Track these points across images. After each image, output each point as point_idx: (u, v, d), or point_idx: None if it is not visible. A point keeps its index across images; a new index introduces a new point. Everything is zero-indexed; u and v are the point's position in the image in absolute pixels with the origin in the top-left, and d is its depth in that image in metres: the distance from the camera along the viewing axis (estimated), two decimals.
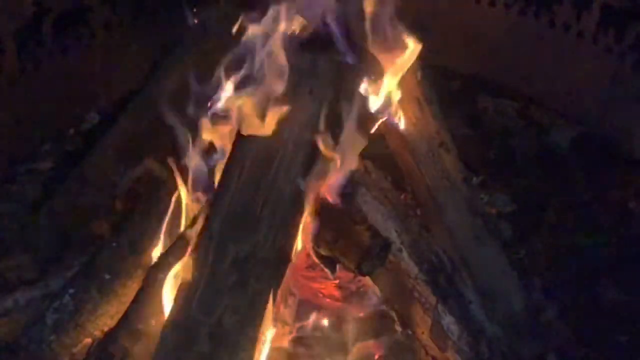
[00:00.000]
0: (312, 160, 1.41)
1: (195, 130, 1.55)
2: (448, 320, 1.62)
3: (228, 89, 1.53)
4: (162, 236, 1.64)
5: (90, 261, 1.73)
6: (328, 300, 1.76)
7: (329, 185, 1.49)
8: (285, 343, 1.65)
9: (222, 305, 1.28)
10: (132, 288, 1.61)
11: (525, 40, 2.60)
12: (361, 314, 1.74)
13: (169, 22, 2.44)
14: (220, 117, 1.51)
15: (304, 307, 1.73)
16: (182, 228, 1.59)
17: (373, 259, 1.46)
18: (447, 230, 1.78)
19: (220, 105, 1.53)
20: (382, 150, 1.88)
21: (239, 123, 1.45)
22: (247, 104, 1.44)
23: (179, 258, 1.45)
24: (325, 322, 1.72)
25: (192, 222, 1.53)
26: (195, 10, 2.11)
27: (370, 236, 1.46)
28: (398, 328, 1.72)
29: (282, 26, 1.51)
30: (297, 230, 1.42)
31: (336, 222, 1.47)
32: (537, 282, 1.94)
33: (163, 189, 1.70)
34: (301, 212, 1.41)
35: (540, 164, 2.38)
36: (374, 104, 1.62)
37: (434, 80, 1.89)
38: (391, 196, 1.77)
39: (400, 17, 1.62)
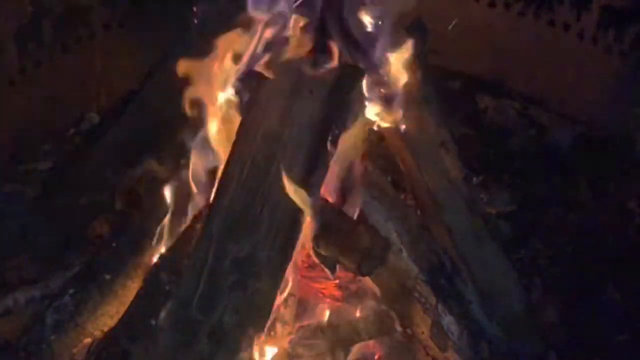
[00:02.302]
0: (312, 160, 1.40)
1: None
2: (448, 320, 1.62)
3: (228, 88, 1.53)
4: (162, 236, 1.64)
5: (90, 261, 1.73)
6: (328, 300, 1.76)
7: (329, 185, 1.49)
8: (285, 343, 1.65)
9: (222, 305, 1.28)
10: (132, 288, 1.60)
11: (525, 40, 2.60)
12: (361, 314, 1.74)
13: (168, 22, 2.44)
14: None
15: (304, 307, 1.73)
16: (182, 228, 1.59)
17: (373, 259, 1.46)
18: (447, 230, 1.78)
19: (220, 104, 1.53)
20: (382, 150, 1.88)
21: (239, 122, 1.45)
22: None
23: (179, 258, 1.45)
24: (325, 322, 1.72)
25: (193, 222, 1.53)
26: (195, 9, 2.11)
27: (370, 236, 1.45)
28: (398, 328, 1.72)
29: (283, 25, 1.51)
30: (297, 230, 1.42)
31: (336, 222, 1.47)
32: (537, 282, 1.94)
33: (163, 189, 1.70)
34: (301, 213, 1.41)
35: (540, 164, 2.38)
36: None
37: (434, 80, 1.89)
38: (391, 196, 1.77)
39: (400, 18, 1.62)
